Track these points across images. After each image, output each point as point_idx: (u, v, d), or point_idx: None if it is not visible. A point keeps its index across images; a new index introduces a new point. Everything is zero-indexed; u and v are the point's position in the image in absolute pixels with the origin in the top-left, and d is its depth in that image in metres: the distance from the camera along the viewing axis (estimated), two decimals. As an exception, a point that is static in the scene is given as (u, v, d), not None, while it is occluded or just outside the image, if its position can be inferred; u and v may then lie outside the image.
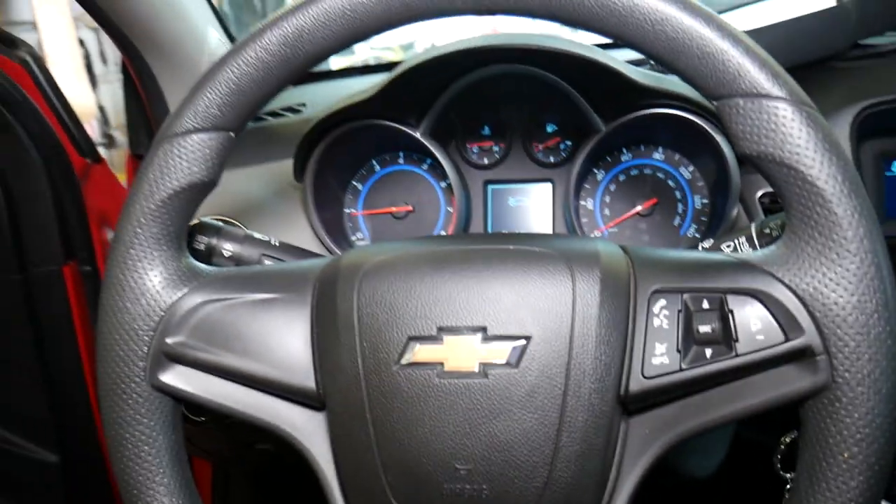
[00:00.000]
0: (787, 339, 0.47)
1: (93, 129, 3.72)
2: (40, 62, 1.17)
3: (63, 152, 1.16)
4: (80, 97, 3.67)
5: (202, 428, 0.95)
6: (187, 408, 0.92)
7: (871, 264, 0.46)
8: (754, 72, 0.47)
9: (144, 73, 1.07)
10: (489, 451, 0.49)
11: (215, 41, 1.13)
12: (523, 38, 0.82)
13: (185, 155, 0.54)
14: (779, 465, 0.64)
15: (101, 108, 4.01)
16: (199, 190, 0.55)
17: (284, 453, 1.12)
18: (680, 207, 0.93)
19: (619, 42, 0.51)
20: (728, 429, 0.95)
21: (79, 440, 1.21)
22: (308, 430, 0.55)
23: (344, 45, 0.54)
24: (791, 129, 0.47)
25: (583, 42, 0.85)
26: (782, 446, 0.65)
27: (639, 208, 0.93)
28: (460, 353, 0.50)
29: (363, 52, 4.38)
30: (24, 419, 1.21)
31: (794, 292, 0.47)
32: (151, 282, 0.54)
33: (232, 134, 0.55)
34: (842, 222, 0.46)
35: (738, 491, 1.10)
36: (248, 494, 1.46)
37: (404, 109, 0.89)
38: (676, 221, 0.93)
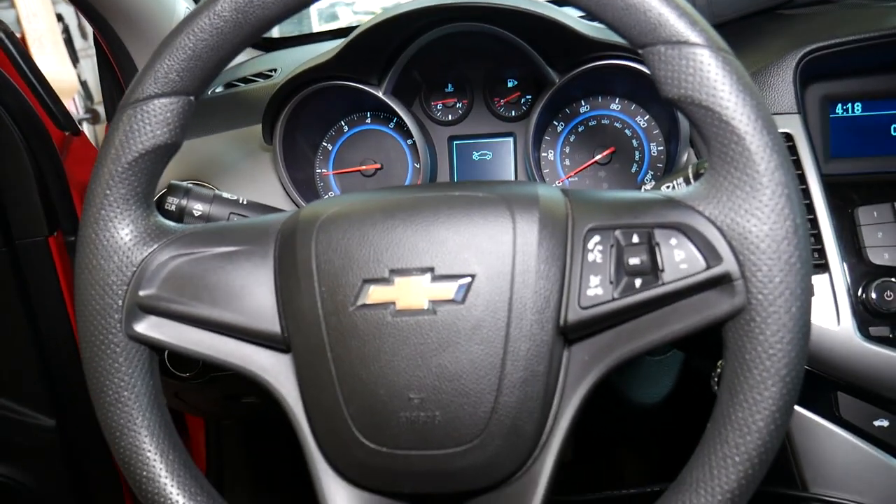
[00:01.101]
0: (708, 267, 0.51)
1: (76, 105, 3.71)
2: (14, 38, 1.19)
3: (42, 127, 1.19)
4: (62, 73, 3.65)
5: (189, 384, 1.00)
6: (172, 364, 0.97)
7: (782, 195, 0.49)
8: (673, 20, 0.51)
9: (115, 46, 1.09)
10: (440, 380, 0.54)
11: (184, 10, 1.15)
12: None
13: (148, 119, 0.57)
14: (715, 387, 0.68)
15: (83, 84, 3.99)
16: (164, 152, 0.59)
17: (268, 405, 1.17)
18: (637, 155, 0.96)
19: None
20: (676, 360, 1.00)
21: (74, 403, 1.26)
22: (276, 371, 0.59)
23: (293, 9, 0.57)
24: (708, 72, 0.50)
25: (534, -1, 0.88)
26: (718, 369, 0.69)
27: (597, 157, 0.97)
28: (411, 293, 0.54)
29: (347, 17, 4.36)
30: (19, 386, 1.25)
31: (714, 224, 0.51)
32: (123, 239, 0.58)
33: (192, 98, 0.58)
34: (755, 157, 0.50)
35: (685, 415, 1.15)
36: (240, 446, 1.52)
37: (365, 69, 0.92)
38: (634, 169, 0.97)
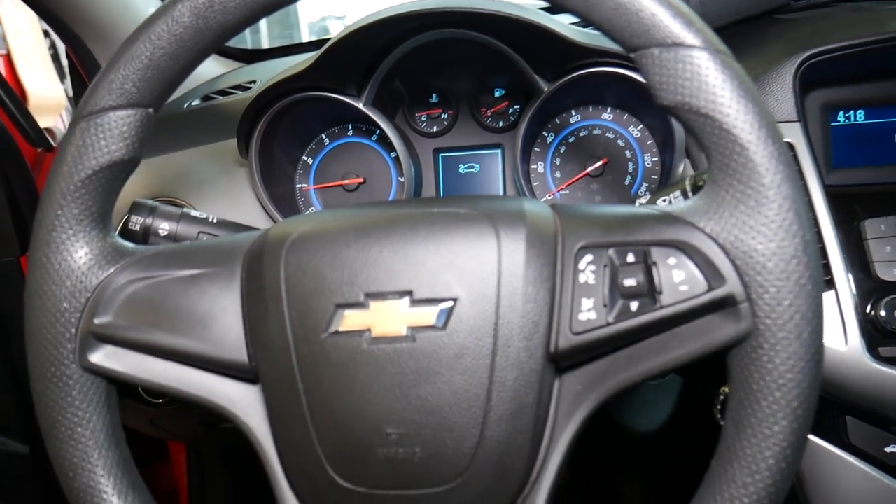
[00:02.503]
0: (709, 289, 0.47)
1: (64, 121, 3.67)
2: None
3: (12, 144, 1.15)
4: (49, 89, 3.61)
5: (164, 410, 0.95)
6: (144, 391, 0.92)
7: (790, 210, 0.45)
8: (668, 21, 0.47)
9: (85, 57, 1.05)
10: (420, 414, 0.49)
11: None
12: (457, 2, 0.80)
13: (102, 133, 0.53)
14: (718, 415, 0.64)
15: (71, 99, 3.95)
16: (121, 168, 0.54)
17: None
18: (630, 166, 0.92)
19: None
20: (675, 384, 0.96)
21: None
22: (244, 403, 0.54)
23: (257, 13, 0.53)
24: (706, 76, 0.46)
25: (522, 4, 0.84)
26: (721, 396, 0.65)
27: (589, 169, 0.93)
28: (387, 318, 0.49)
29: (337, 30, 4.34)
30: (-9, 413, 1.20)
31: (716, 241, 0.47)
32: (76, 263, 0.54)
33: (151, 110, 0.54)
34: (759, 169, 0.46)
35: (685, 442, 1.11)
36: (222, 472, 1.46)
37: (344, 79, 0.88)
38: (627, 181, 0.93)
